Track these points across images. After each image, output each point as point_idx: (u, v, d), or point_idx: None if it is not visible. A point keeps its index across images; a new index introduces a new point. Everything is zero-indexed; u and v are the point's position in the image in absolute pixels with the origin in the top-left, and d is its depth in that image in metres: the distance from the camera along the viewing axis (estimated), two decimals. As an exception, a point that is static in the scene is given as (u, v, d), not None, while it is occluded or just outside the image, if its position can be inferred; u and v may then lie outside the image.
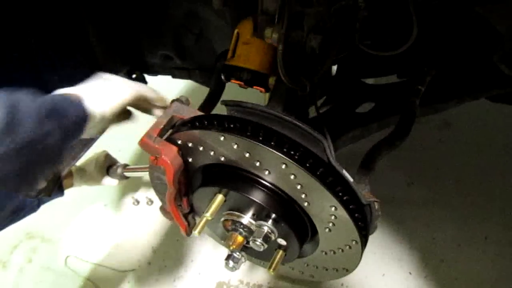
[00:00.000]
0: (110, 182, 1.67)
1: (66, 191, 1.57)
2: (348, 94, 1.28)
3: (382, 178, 1.67)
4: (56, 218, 1.80)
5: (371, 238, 0.92)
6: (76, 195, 1.76)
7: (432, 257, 1.51)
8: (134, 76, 1.49)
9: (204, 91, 1.33)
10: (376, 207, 0.86)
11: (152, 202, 1.84)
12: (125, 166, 1.65)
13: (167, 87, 2.23)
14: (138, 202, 1.87)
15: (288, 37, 0.84)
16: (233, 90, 1.15)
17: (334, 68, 1.28)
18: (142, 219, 1.82)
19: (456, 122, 1.92)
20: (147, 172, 0.96)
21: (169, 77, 1.50)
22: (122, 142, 2.08)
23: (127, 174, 1.66)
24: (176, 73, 1.49)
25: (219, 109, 0.98)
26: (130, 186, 1.90)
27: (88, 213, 1.86)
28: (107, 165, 1.64)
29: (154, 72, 1.50)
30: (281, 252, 0.92)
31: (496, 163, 1.73)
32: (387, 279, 1.49)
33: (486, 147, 1.79)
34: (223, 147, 0.81)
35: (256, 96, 1.11)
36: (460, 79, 1.23)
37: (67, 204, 1.65)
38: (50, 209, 1.62)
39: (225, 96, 1.23)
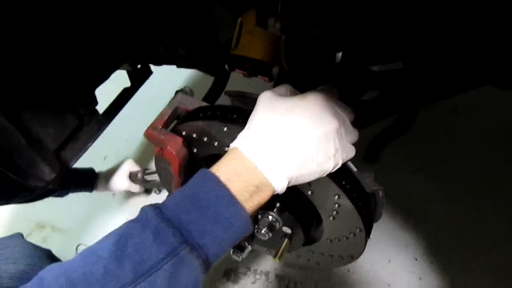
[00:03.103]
0: (133, 188, 1.73)
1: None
2: (353, 82, 1.27)
3: (387, 165, 1.68)
4: (66, 208, 1.83)
5: (377, 225, 0.93)
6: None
7: (439, 243, 1.52)
8: (139, 66, 1.49)
9: (210, 80, 1.33)
10: (381, 195, 0.87)
11: (160, 191, 1.86)
12: (144, 171, 1.70)
13: (172, 77, 2.25)
14: (147, 190, 1.90)
15: (291, 26, 0.84)
16: (239, 79, 1.15)
17: (339, 55, 1.27)
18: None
19: (463, 108, 1.90)
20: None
21: (173, 67, 1.50)
22: (128, 133, 2.10)
23: (147, 178, 1.71)
24: (180, 63, 1.49)
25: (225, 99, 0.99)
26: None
27: (98, 203, 1.89)
28: (130, 171, 1.72)
29: (159, 62, 1.50)
30: (286, 240, 0.93)
31: (503, 150, 1.71)
32: (393, 265, 1.50)
33: (494, 134, 1.78)
34: (227, 137, 0.82)
35: (261, 85, 1.11)
36: (467, 66, 1.22)
37: (76, 194, 1.68)
38: (60, 199, 1.65)
39: (231, 84, 1.23)
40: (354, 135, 0.76)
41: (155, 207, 0.64)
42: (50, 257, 1.13)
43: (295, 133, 0.68)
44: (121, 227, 0.63)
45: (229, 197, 0.64)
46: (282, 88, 0.80)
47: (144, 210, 0.65)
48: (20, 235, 1.22)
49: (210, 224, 0.62)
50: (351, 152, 0.75)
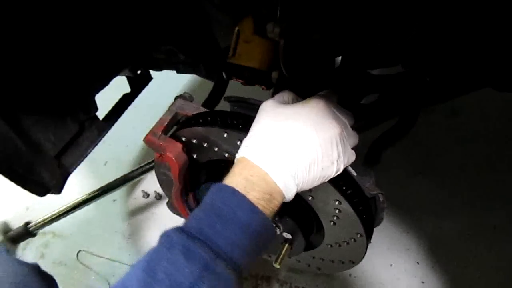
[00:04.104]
0: None
1: (74, 188, 1.61)
2: (352, 86, 1.27)
3: (388, 168, 1.67)
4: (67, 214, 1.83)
5: (378, 229, 0.93)
6: (85, 191, 1.79)
7: (440, 247, 1.51)
8: (139, 72, 1.49)
9: (209, 85, 1.33)
10: (381, 199, 0.87)
11: (160, 196, 1.86)
12: None
13: (171, 82, 2.25)
14: (147, 195, 1.89)
15: (290, 31, 0.84)
16: (238, 84, 1.15)
17: (338, 59, 1.27)
18: (151, 213, 1.84)
19: (464, 110, 1.90)
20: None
21: (173, 72, 1.50)
22: (129, 138, 2.10)
23: None
24: (180, 68, 1.49)
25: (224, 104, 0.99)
26: (138, 180, 1.92)
27: (98, 209, 1.88)
28: None
29: (159, 68, 1.50)
30: (286, 246, 0.93)
31: (504, 152, 1.71)
32: (395, 269, 1.49)
33: (494, 136, 1.78)
34: (227, 143, 0.82)
35: (260, 91, 1.11)
36: (467, 68, 1.22)
37: (77, 200, 1.68)
38: (60, 205, 1.65)
39: (231, 89, 1.23)
40: (354, 139, 0.77)
41: (176, 228, 0.63)
42: (37, 273, 1.03)
43: (299, 139, 0.68)
44: (145, 256, 0.61)
45: (250, 206, 0.63)
46: (284, 95, 0.80)
47: (165, 233, 0.63)
48: (1, 250, 1.15)
49: (236, 235, 0.62)
50: (352, 156, 0.75)
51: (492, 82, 1.20)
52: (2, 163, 0.98)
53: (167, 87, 2.18)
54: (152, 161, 1.73)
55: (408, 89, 1.14)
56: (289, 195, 0.68)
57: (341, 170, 0.72)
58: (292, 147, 0.67)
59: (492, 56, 1.08)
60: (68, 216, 1.79)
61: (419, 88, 1.13)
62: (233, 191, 0.64)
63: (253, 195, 0.64)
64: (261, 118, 0.73)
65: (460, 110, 1.91)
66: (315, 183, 0.71)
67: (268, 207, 0.66)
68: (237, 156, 0.71)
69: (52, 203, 1.63)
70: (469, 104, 1.88)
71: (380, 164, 1.00)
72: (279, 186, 0.66)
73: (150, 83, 1.54)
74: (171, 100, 0.98)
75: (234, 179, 0.67)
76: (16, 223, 1.83)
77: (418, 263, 1.49)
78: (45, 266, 1.69)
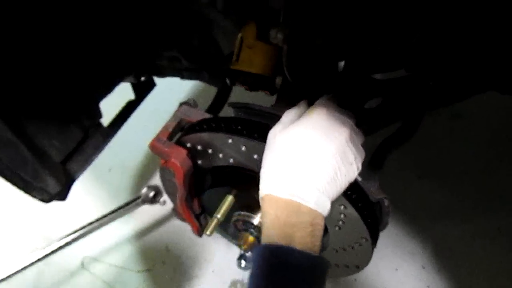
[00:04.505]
0: None
1: (78, 195, 1.60)
2: (356, 90, 1.27)
3: (392, 172, 1.67)
4: (72, 221, 1.83)
5: (383, 233, 0.93)
6: (90, 198, 1.80)
7: (445, 250, 1.50)
8: (142, 78, 1.50)
9: (213, 90, 1.34)
10: (386, 203, 0.87)
11: (165, 202, 1.86)
12: None
13: (175, 88, 2.26)
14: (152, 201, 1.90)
15: (293, 36, 0.84)
16: (242, 89, 1.16)
17: (341, 64, 1.27)
18: (155, 219, 1.84)
19: (467, 113, 1.90)
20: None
21: (177, 78, 1.51)
22: (133, 144, 2.11)
23: None
24: (184, 74, 1.50)
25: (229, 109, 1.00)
26: (143, 186, 1.93)
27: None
28: None
29: (162, 74, 1.51)
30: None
31: (507, 153, 1.71)
32: (400, 273, 1.49)
33: (497, 139, 1.77)
34: (232, 149, 0.82)
35: (264, 96, 1.11)
36: (470, 71, 1.22)
37: (81, 207, 1.68)
38: (65, 212, 1.66)
39: (235, 94, 1.24)
40: (361, 137, 0.78)
41: None
42: None
43: (316, 154, 0.68)
44: None
45: (300, 256, 0.64)
46: (288, 115, 0.79)
47: None
48: None
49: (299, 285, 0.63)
50: (363, 153, 0.76)
51: (495, 84, 1.20)
52: (7, 170, 0.99)
53: (171, 93, 2.19)
54: (131, 201, 1.80)
55: (412, 93, 1.14)
56: (326, 211, 0.68)
57: (360, 168, 0.73)
58: (312, 166, 0.67)
59: (495, 59, 1.08)
60: (72, 224, 1.80)
61: (422, 92, 1.13)
62: (277, 249, 0.64)
63: (299, 238, 0.65)
64: (272, 147, 0.72)
65: (463, 113, 1.90)
66: (343, 188, 0.71)
67: (313, 240, 0.66)
68: (262, 192, 0.70)
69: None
70: (472, 106, 1.88)
71: (385, 168, 1.00)
72: (316, 210, 0.66)
73: (155, 89, 1.55)
74: (175, 106, 0.98)
75: (273, 232, 0.66)
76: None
77: (423, 267, 1.49)
78: (51, 274, 1.70)
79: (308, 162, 0.68)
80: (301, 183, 0.66)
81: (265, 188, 0.69)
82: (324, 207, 0.67)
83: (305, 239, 0.65)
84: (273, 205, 0.68)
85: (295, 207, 0.66)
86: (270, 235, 0.67)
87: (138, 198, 1.84)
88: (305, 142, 0.70)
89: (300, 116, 0.78)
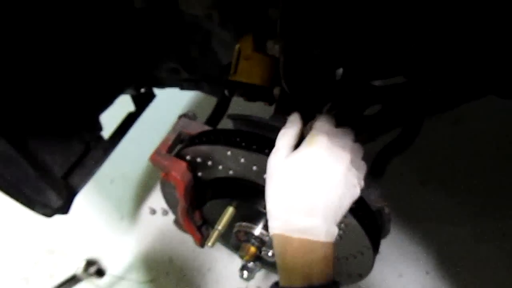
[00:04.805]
0: None
1: (80, 207, 1.61)
2: (355, 98, 1.27)
3: (394, 178, 1.67)
4: (75, 233, 1.84)
5: (387, 239, 0.93)
6: (93, 210, 1.80)
7: (450, 256, 1.50)
8: (142, 90, 1.51)
9: (213, 100, 1.35)
10: (387, 211, 0.87)
11: (167, 212, 1.86)
12: None
13: (175, 99, 2.27)
14: (154, 211, 1.90)
15: (290, 47, 0.85)
16: (241, 100, 1.16)
17: (339, 72, 1.27)
18: (158, 230, 1.84)
19: (468, 118, 1.89)
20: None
21: (176, 89, 1.52)
22: (134, 156, 2.11)
23: None
24: (184, 85, 1.50)
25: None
26: (145, 197, 1.93)
27: (106, 227, 1.89)
28: None
29: (162, 85, 1.51)
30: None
31: (510, 158, 1.70)
32: (404, 279, 1.48)
33: (500, 143, 1.77)
34: (231, 161, 0.83)
35: (263, 107, 1.12)
36: (469, 76, 1.22)
37: (85, 219, 1.69)
38: (69, 224, 1.66)
39: (235, 105, 1.24)
40: (360, 151, 0.77)
41: None
42: None
43: (321, 186, 0.68)
44: None
45: None
46: (283, 139, 0.76)
47: None
48: None
49: None
50: (364, 167, 0.76)
51: (495, 89, 1.20)
52: (10, 187, 1.00)
53: (171, 103, 2.20)
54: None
55: (411, 99, 1.14)
56: (335, 236, 0.69)
57: (363, 184, 0.73)
58: (318, 198, 0.67)
59: (494, 63, 1.08)
60: (76, 236, 1.80)
61: (421, 98, 1.13)
62: None
63: (317, 274, 0.67)
64: (275, 179, 0.71)
65: (464, 117, 1.90)
66: (348, 208, 0.72)
67: (329, 268, 0.68)
68: (273, 230, 0.70)
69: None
70: (472, 112, 1.87)
71: (386, 174, 1.00)
72: (328, 241, 0.67)
73: (155, 100, 1.56)
74: (176, 116, 0.98)
75: (293, 276, 0.68)
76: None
77: (427, 272, 1.48)
78: (54, 284, 1.69)
79: (314, 196, 0.68)
80: (310, 219, 0.67)
81: (275, 227, 0.70)
82: (333, 235, 0.68)
83: (322, 272, 0.67)
84: (286, 245, 0.69)
85: (308, 245, 0.67)
86: (290, 279, 0.68)
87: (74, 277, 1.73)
88: (308, 175, 0.69)
89: (296, 138, 0.76)
